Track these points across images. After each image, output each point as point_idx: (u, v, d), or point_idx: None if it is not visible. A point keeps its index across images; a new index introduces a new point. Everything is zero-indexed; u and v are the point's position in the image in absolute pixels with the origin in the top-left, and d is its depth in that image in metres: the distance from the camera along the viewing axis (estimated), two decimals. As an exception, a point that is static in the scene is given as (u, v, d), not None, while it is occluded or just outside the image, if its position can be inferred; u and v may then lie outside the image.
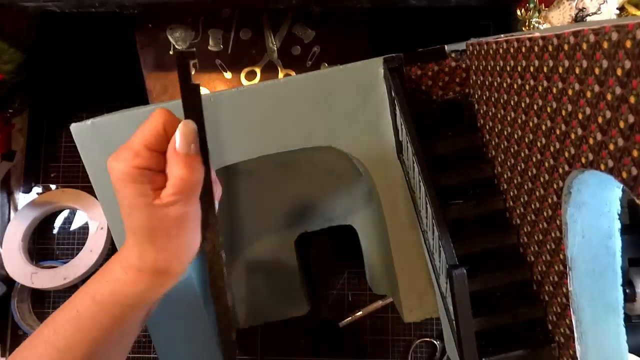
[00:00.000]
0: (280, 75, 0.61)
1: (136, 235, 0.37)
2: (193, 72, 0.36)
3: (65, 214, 0.69)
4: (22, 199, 0.69)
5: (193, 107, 0.36)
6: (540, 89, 0.35)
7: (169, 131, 0.36)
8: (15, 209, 0.68)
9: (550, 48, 0.33)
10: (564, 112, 0.33)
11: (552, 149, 0.36)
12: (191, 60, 0.36)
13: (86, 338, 0.38)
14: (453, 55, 0.47)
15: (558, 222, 0.37)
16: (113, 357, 0.41)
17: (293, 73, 0.62)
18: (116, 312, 0.38)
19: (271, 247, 0.60)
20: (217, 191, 0.41)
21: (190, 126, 0.35)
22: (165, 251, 0.37)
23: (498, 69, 0.41)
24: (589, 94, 0.30)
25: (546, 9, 0.53)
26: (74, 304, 0.39)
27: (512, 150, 0.42)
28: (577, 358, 0.39)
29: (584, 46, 0.29)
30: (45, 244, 0.68)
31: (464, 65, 0.48)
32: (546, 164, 0.37)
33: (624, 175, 0.28)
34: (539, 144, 0.37)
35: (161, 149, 0.36)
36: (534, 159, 0.39)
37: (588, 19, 0.51)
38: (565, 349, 0.41)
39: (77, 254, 0.65)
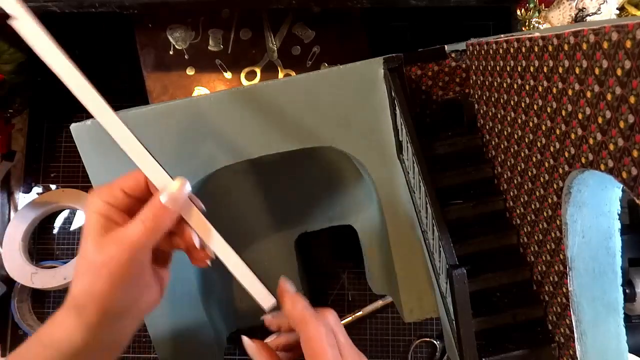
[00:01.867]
0: (280, 75, 0.61)
1: None
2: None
3: (65, 214, 0.69)
4: (22, 199, 0.69)
5: None
6: (540, 89, 0.35)
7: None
8: (15, 209, 0.68)
9: (550, 48, 0.33)
10: (564, 112, 0.33)
11: (552, 149, 0.36)
12: None
13: None
14: (453, 55, 0.47)
15: (558, 222, 0.37)
16: None
17: (293, 73, 0.62)
18: None
19: (271, 247, 0.60)
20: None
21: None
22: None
23: (498, 69, 0.41)
24: (589, 94, 0.30)
25: (546, 9, 0.53)
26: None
27: (512, 150, 0.42)
28: (577, 358, 0.39)
29: (584, 46, 0.29)
30: (45, 244, 0.68)
31: (464, 65, 0.48)
32: (546, 164, 0.37)
33: (624, 175, 0.28)
34: (539, 144, 0.37)
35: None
36: (534, 159, 0.39)
37: (588, 19, 0.51)
38: (565, 349, 0.41)
39: (77, 254, 0.65)
